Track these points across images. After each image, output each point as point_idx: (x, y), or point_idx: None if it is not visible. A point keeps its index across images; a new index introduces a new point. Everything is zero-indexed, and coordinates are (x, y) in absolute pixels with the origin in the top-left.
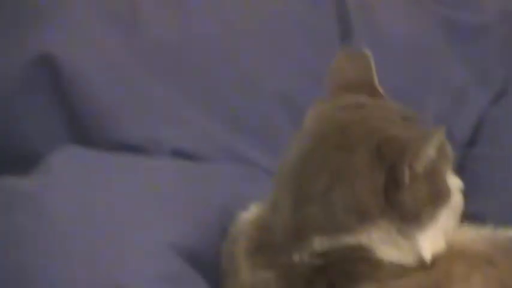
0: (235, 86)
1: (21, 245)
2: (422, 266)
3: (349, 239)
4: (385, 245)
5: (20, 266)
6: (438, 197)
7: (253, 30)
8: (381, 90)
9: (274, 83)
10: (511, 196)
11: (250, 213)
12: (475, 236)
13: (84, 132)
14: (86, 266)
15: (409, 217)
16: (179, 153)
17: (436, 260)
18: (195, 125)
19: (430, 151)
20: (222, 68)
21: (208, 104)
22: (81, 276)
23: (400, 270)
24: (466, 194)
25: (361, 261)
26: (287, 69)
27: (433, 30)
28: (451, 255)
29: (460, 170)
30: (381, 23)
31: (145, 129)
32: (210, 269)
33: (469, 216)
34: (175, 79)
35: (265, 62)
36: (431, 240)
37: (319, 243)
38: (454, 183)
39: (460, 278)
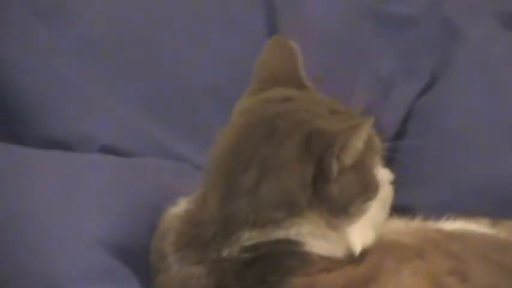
0: (164, 80)
1: None
2: (352, 259)
3: (278, 233)
4: (314, 238)
5: None
6: (367, 189)
7: (181, 24)
8: (308, 82)
9: (203, 76)
10: (440, 188)
11: (179, 208)
12: (405, 228)
13: (12, 129)
14: (12, 262)
15: (338, 210)
16: (109, 150)
17: (366, 253)
18: (126, 121)
19: (357, 143)
20: (152, 63)
21: (139, 100)
22: (7, 270)
23: (330, 264)
24: (396, 186)
25: (291, 255)
26: (215, 62)
27: (361, 22)
28: (380, 248)
29: (389, 162)
30: (309, 14)
31: (75, 126)
32: (141, 265)
33: (399, 208)
34: (105, 75)
35: (194, 56)
36: (360, 233)
37: (248, 237)
38: (383, 175)
39: (389, 271)
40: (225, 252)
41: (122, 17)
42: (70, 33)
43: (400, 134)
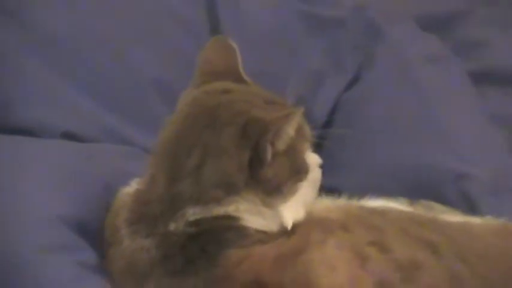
0: (116, 73)
1: None
2: (284, 233)
3: (218, 210)
4: (251, 214)
5: None
6: (298, 171)
7: (135, 23)
8: (246, 77)
9: (149, 68)
10: (362, 171)
11: (130, 188)
12: (331, 206)
13: None
14: None
15: (272, 190)
16: (70, 136)
17: (297, 227)
18: (84, 111)
19: (289, 130)
20: (107, 57)
21: (95, 91)
22: None
23: (265, 237)
24: (324, 169)
25: (229, 229)
26: (160, 56)
27: (294, 23)
28: (309, 223)
29: (318, 148)
30: (247, 15)
31: (37, 115)
32: (96, 239)
33: (327, 189)
34: (65, 69)
35: (141, 49)
36: (292, 210)
37: (192, 213)
38: (313, 159)
39: (316, 242)
40: (171, 227)
41: (80, 16)
42: (33, 31)
43: (328, 123)
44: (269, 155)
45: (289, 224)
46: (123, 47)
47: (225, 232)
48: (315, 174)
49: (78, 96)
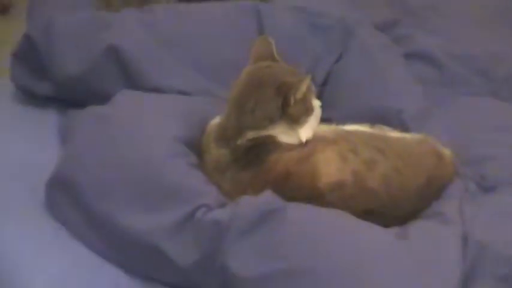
0: (210, 57)
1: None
2: (301, 145)
3: (265, 132)
4: (283, 134)
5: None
6: (308, 110)
7: (217, 26)
8: (279, 59)
9: (229, 55)
10: (344, 109)
11: (216, 120)
12: (327, 129)
13: (131, 83)
14: (114, 156)
15: (294, 121)
16: (181, 93)
17: (308, 141)
18: (192, 78)
19: (303, 88)
20: (205, 47)
21: (199, 67)
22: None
23: (290, 147)
24: (322, 108)
25: (271, 143)
26: (235, 48)
27: (303, 27)
28: (315, 139)
29: (319, 97)
30: (278, 23)
31: (161, 80)
32: (197, 150)
33: (324, 120)
34: (187, 56)
35: (224, 44)
36: (305, 131)
37: (250, 135)
38: (316, 103)
39: (319, 150)
40: (239, 142)
41: (187, 23)
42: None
43: (323, 84)
44: (292, 101)
45: (304, 140)
46: (213, 42)
47: (268, 145)
48: (317, 111)
49: (188, 70)
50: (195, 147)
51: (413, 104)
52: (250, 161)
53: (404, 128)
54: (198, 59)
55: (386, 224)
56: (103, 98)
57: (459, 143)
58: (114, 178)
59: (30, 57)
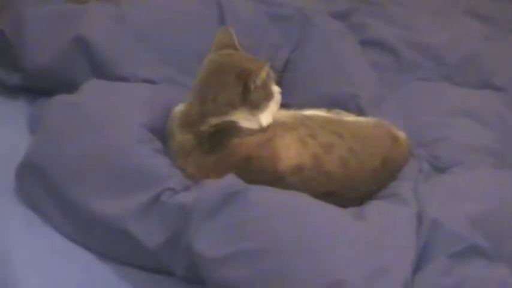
0: (176, 47)
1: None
2: (261, 130)
3: (226, 118)
4: (244, 120)
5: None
6: (268, 96)
7: (179, 18)
8: (239, 47)
9: (193, 46)
10: (302, 95)
11: (180, 107)
12: (286, 114)
13: (102, 72)
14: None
15: (255, 106)
16: (147, 81)
17: (268, 126)
18: (156, 67)
19: (263, 74)
20: (171, 37)
21: (164, 57)
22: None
23: (251, 132)
24: (282, 94)
25: (232, 128)
26: (198, 39)
27: (263, 18)
28: (275, 125)
29: (279, 83)
30: (239, 14)
31: (129, 70)
32: (162, 136)
33: (283, 105)
34: (151, 44)
35: (188, 36)
36: (266, 117)
37: (213, 121)
38: (276, 89)
39: (279, 135)
40: (202, 128)
41: (156, 15)
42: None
43: (283, 71)
44: (252, 87)
45: (264, 125)
46: (177, 32)
47: (230, 130)
48: (277, 97)
49: (154, 60)
50: (161, 133)
51: (368, 89)
52: (213, 146)
53: (360, 113)
54: (163, 49)
55: (344, 205)
56: (72, 88)
57: (413, 125)
58: (82, 164)
59: (0, 49)
